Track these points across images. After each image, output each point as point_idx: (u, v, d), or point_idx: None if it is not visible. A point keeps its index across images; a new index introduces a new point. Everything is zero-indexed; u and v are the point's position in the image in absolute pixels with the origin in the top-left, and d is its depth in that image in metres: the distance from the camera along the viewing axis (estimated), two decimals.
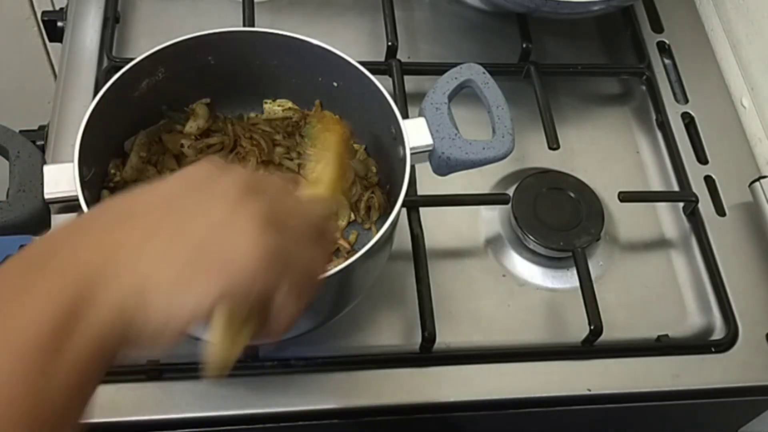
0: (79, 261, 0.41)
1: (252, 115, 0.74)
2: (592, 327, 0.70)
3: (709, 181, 0.84)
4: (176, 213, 0.44)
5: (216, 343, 0.43)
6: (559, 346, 0.73)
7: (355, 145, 0.73)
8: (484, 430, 0.76)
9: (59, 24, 0.87)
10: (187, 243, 0.43)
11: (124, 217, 0.44)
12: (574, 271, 0.74)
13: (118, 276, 0.41)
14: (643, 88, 0.91)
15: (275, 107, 0.73)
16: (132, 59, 0.65)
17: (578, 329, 0.72)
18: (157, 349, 0.43)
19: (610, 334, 0.71)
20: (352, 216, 0.71)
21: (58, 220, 0.60)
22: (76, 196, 0.56)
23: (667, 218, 0.83)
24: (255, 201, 0.44)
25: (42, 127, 0.80)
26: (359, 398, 0.68)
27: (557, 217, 0.77)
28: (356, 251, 0.60)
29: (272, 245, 0.43)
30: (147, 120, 0.70)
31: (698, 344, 0.75)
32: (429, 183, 0.74)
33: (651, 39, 0.93)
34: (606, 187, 0.81)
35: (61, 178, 0.58)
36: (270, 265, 0.43)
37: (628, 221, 0.81)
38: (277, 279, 0.44)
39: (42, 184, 0.58)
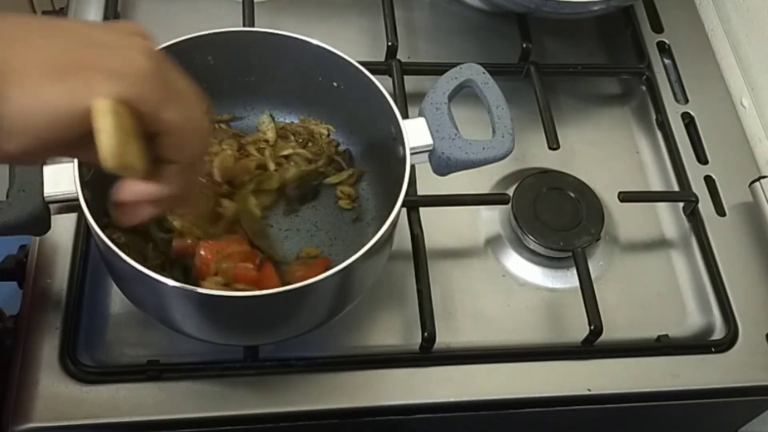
0: None
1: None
2: (592, 327, 0.70)
3: (709, 181, 0.84)
4: (67, 22, 0.45)
5: (107, 140, 0.42)
6: (559, 346, 0.73)
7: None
8: (484, 430, 0.76)
9: None
10: (71, 43, 0.43)
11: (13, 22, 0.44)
12: (574, 271, 0.74)
13: None
14: (643, 88, 0.91)
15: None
16: None
17: (578, 329, 0.72)
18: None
19: (610, 334, 0.71)
20: None
21: (58, 220, 0.60)
22: (76, 196, 0.56)
23: (667, 218, 0.83)
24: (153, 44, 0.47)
25: None
26: (359, 398, 0.68)
27: (557, 217, 0.77)
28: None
29: (160, 69, 0.45)
30: None
31: (698, 344, 0.75)
32: (429, 183, 0.74)
33: (651, 39, 0.93)
34: (606, 187, 0.81)
35: (61, 178, 0.58)
36: (155, 85, 0.44)
37: (628, 221, 0.81)
38: (161, 100, 0.45)
39: (42, 184, 0.58)
